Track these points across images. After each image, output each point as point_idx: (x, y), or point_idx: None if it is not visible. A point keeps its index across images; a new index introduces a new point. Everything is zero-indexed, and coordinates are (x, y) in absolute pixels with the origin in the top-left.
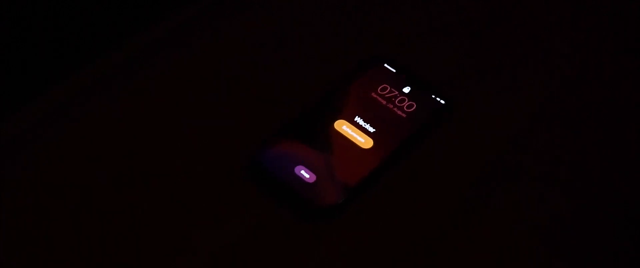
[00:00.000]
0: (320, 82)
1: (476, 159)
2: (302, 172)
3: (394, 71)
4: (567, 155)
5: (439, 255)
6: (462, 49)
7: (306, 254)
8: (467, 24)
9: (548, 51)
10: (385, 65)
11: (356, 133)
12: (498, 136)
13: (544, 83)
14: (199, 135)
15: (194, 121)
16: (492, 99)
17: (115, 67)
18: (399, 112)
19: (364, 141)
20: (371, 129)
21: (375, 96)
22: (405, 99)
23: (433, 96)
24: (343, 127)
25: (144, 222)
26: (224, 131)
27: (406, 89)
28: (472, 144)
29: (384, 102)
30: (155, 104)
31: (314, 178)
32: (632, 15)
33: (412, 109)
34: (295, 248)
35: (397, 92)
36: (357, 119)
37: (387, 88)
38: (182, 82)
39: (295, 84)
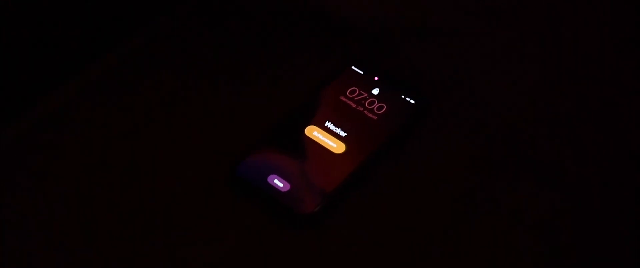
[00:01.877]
0: (293, 88)
1: (464, 160)
2: (276, 181)
3: (362, 72)
4: (560, 151)
5: (431, 256)
6: (446, 48)
7: (295, 262)
8: (453, 24)
9: (539, 46)
10: (353, 67)
11: (327, 138)
12: (488, 135)
13: (534, 81)
14: (176, 149)
15: (169, 135)
16: (480, 99)
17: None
18: (370, 114)
19: (336, 146)
20: (342, 134)
21: (344, 99)
22: (375, 101)
23: (402, 96)
24: (314, 133)
25: (129, 241)
26: (201, 143)
27: (375, 91)
28: (459, 146)
29: (354, 105)
30: (129, 119)
31: (288, 186)
32: (621, 12)
33: (382, 111)
34: (283, 257)
35: (366, 95)
36: (328, 124)
37: (356, 91)
38: (157, 95)
39: (269, 91)
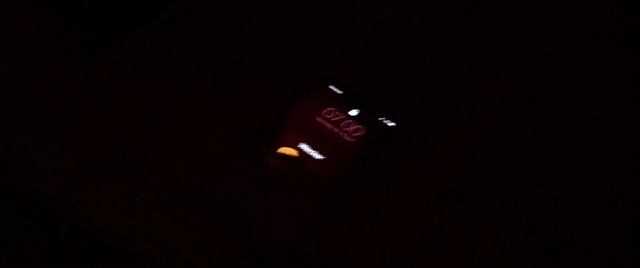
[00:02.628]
0: (265, 106)
1: (462, 160)
2: (253, 205)
3: (340, 92)
4: (559, 151)
5: (431, 256)
6: (426, 50)
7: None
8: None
9: (536, 44)
10: (331, 87)
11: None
12: (487, 135)
13: (532, 80)
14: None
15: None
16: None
17: None
18: (347, 137)
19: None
20: (318, 157)
21: (320, 120)
22: (352, 123)
23: (380, 119)
24: (287, 154)
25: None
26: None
27: (353, 112)
28: (456, 146)
29: (330, 126)
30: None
31: (265, 211)
32: (617, 11)
33: (360, 134)
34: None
35: (343, 116)
36: (302, 146)
37: (333, 111)
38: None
39: (239, 107)
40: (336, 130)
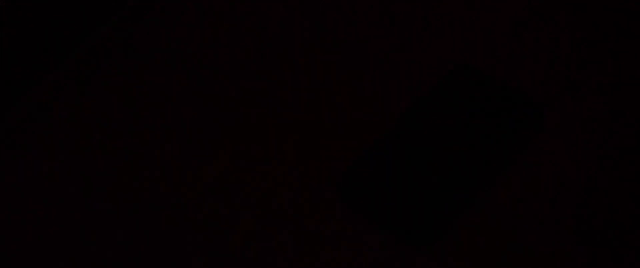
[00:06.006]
0: (395, 97)
1: None
2: (390, 192)
3: (473, 79)
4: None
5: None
6: (423, 50)
7: None
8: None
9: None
10: (464, 73)
11: (437, 150)
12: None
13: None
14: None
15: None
16: None
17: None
18: (484, 122)
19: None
20: (453, 146)
21: (455, 107)
22: (489, 108)
23: (516, 102)
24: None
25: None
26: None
27: (488, 98)
28: None
29: (467, 114)
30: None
31: (404, 196)
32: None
33: (497, 118)
34: None
35: (480, 102)
36: (436, 135)
37: (463, 100)
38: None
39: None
40: (469, 118)
